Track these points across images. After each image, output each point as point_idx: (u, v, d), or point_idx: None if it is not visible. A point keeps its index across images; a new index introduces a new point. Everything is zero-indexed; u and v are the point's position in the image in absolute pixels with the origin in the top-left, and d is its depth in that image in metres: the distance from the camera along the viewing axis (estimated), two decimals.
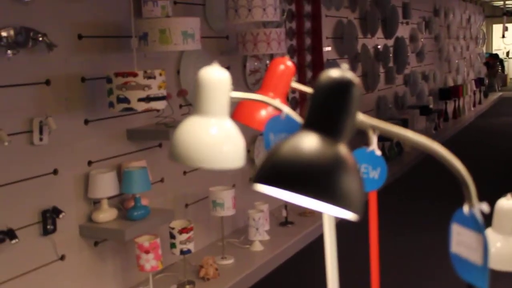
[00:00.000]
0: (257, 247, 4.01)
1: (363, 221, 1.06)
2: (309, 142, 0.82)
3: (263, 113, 1.55)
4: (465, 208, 0.89)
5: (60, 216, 2.89)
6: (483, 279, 0.86)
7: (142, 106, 2.96)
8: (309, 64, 5.57)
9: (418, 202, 5.57)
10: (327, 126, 0.84)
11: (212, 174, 3.34)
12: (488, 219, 1.06)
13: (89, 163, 3.15)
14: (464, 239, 0.90)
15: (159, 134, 3.44)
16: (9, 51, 2.61)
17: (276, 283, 3.80)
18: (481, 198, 0.89)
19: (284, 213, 4.53)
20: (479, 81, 12.67)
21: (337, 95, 0.85)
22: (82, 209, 3.11)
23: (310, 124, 0.85)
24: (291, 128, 1.31)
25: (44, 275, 2.89)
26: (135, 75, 2.93)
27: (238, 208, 3.85)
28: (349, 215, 0.83)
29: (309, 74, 5.54)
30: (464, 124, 10.48)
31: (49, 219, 2.87)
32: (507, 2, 14.23)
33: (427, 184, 6.19)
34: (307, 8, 5.52)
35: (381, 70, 7.59)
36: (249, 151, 4.54)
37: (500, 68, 16.42)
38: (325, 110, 0.85)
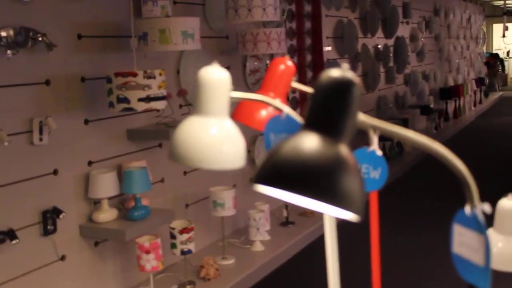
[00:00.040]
0: (258, 247, 4.01)
1: (364, 221, 1.06)
2: (310, 143, 0.82)
3: (263, 113, 1.55)
4: (467, 209, 0.89)
5: (61, 216, 2.89)
6: (485, 279, 0.86)
7: (142, 106, 2.96)
8: (309, 64, 5.57)
9: (418, 202, 5.57)
10: (327, 126, 0.84)
11: (212, 174, 3.34)
12: (489, 219, 1.05)
13: (89, 163, 3.14)
14: (465, 240, 0.89)
15: (159, 134, 3.44)
16: (8, 51, 2.61)
17: (277, 283, 3.80)
18: (482, 198, 0.89)
19: (284, 213, 4.53)
20: (479, 81, 12.66)
21: (337, 95, 0.85)
22: (83, 209, 3.11)
23: (311, 124, 0.85)
24: (292, 128, 1.31)
25: (45, 276, 2.89)
26: (135, 75, 2.93)
27: (238, 208, 3.85)
28: (350, 216, 0.83)
29: (309, 74, 5.53)
30: (465, 123, 10.48)
31: (49, 219, 2.87)
32: (507, 1, 14.22)
33: (428, 184, 6.18)
34: (307, 8, 5.52)
35: (382, 69, 7.59)
36: (250, 151, 4.54)
37: (500, 68, 16.41)
38: (326, 110, 0.85)
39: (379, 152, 1.34)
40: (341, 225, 1.38)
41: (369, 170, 1.35)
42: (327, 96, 0.85)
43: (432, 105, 9.00)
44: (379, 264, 1.51)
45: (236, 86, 1.15)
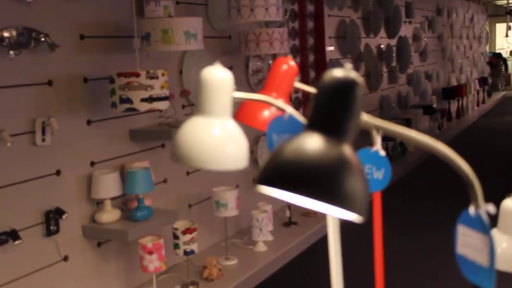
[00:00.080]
0: (261, 247, 4.00)
1: (367, 221, 1.05)
2: (313, 143, 0.81)
3: (266, 113, 1.55)
4: (471, 209, 0.88)
5: (63, 216, 2.89)
6: (490, 280, 0.86)
7: (145, 106, 2.96)
8: (312, 64, 5.56)
9: (422, 202, 5.56)
10: (331, 127, 0.83)
11: (215, 174, 3.33)
12: (493, 220, 1.05)
13: (92, 163, 3.14)
14: (470, 241, 0.89)
15: (161, 135, 3.44)
16: (11, 52, 2.61)
17: (280, 284, 3.80)
18: (485, 198, 0.88)
19: (287, 214, 4.52)
20: (482, 80, 12.64)
21: (341, 95, 0.84)
22: (85, 210, 3.11)
23: (314, 125, 0.84)
24: (295, 129, 1.30)
25: (48, 276, 2.89)
26: (137, 75, 2.93)
27: (241, 208, 3.84)
28: (354, 217, 0.82)
29: (312, 74, 5.53)
30: (468, 123, 10.46)
31: (52, 219, 2.87)
32: (510, 1, 14.19)
33: (431, 184, 6.17)
34: (310, 8, 5.52)
35: (384, 69, 7.58)
36: (252, 151, 4.54)
37: (503, 67, 16.38)
38: (329, 110, 0.84)
39: (383, 153, 1.33)
40: (344, 225, 1.37)
41: (372, 170, 1.35)
42: (330, 96, 0.84)
43: (435, 105, 8.99)
44: (382, 264, 1.50)
45: (239, 86, 1.15)
